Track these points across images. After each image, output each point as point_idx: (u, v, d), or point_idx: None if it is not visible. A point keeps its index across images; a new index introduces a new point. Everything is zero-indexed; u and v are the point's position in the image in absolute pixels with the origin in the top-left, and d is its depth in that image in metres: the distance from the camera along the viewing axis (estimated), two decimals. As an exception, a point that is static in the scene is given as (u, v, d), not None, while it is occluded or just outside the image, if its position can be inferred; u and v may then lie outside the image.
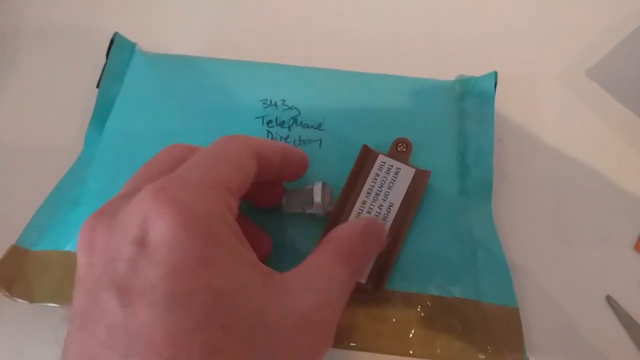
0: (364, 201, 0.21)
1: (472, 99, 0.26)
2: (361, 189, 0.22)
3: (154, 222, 0.14)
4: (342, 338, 0.21)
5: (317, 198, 0.20)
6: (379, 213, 0.21)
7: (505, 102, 0.28)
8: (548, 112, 0.28)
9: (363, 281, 0.20)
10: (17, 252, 0.22)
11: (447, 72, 0.27)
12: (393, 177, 0.22)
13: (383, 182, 0.22)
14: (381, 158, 0.22)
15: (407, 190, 0.21)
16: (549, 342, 0.22)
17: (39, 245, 0.23)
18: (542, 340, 0.22)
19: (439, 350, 0.20)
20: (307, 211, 0.21)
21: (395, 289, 0.21)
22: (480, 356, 0.20)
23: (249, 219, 0.20)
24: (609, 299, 0.23)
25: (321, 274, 0.16)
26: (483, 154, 0.25)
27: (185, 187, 0.15)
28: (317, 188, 0.20)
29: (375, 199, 0.21)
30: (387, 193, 0.21)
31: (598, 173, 0.27)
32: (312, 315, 0.15)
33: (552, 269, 0.24)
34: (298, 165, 0.20)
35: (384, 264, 0.21)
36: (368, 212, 0.21)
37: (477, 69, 0.27)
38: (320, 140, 0.24)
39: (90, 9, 0.32)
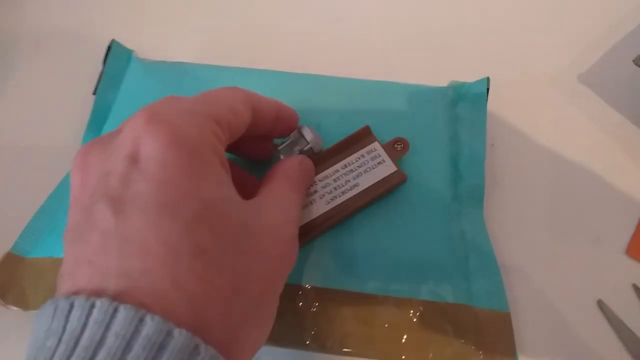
0: (336, 170, 0.23)
1: (464, 105, 0.26)
2: (342, 159, 0.23)
3: (145, 140, 0.15)
4: (334, 343, 0.21)
5: (309, 136, 0.22)
6: (341, 185, 0.22)
7: (497, 107, 0.28)
8: (540, 116, 0.29)
9: None
10: (11, 259, 0.22)
11: (439, 78, 0.27)
12: (374, 164, 0.23)
13: (362, 164, 0.23)
14: (375, 145, 0.23)
15: (377, 181, 0.22)
16: (541, 346, 0.22)
17: (34, 252, 0.23)
18: (534, 345, 0.22)
19: (431, 355, 0.21)
20: (303, 148, 0.22)
21: (388, 294, 0.21)
22: (472, 361, 0.20)
23: (237, 165, 0.21)
24: (600, 304, 0.23)
25: (282, 197, 0.19)
26: (475, 160, 0.25)
27: (176, 113, 0.16)
28: (306, 129, 0.22)
29: (346, 173, 0.22)
30: (359, 174, 0.22)
31: (590, 177, 0.27)
32: (282, 229, 0.17)
33: (544, 273, 0.24)
34: (290, 122, 0.22)
35: (316, 225, 0.22)
36: (334, 180, 0.22)
37: (469, 74, 0.27)
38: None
39: (87, 16, 0.32)
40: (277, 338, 0.21)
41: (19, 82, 0.30)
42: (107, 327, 0.12)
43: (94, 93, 0.26)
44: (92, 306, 0.12)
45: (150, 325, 0.12)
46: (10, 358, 0.22)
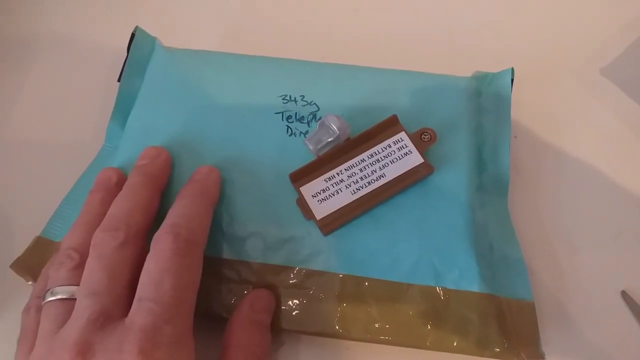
0: (363, 159, 0.23)
1: (489, 96, 0.26)
2: (368, 148, 0.23)
3: None
4: (359, 331, 0.21)
5: (336, 124, 0.22)
6: (367, 175, 0.22)
7: (520, 99, 0.28)
8: (562, 109, 0.29)
9: (318, 218, 0.22)
10: (42, 243, 0.23)
11: (464, 68, 0.27)
12: (400, 155, 0.23)
13: (389, 155, 0.23)
14: (402, 135, 0.23)
15: (403, 172, 0.22)
16: (564, 335, 0.22)
17: (62, 236, 0.23)
18: (557, 334, 0.22)
19: (455, 343, 0.21)
20: (331, 139, 0.22)
21: (412, 283, 0.22)
22: (496, 350, 0.20)
23: None
24: (624, 295, 0.23)
25: None
26: (500, 151, 0.25)
27: (160, 346, 0.16)
28: (332, 117, 0.22)
29: (373, 163, 0.22)
30: (385, 165, 0.22)
31: (612, 170, 0.27)
32: None
33: (567, 264, 0.24)
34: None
35: (341, 215, 0.22)
36: (361, 169, 0.22)
37: (493, 66, 0.27)
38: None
39: (109, 4, 0.32)
40: (303, 324, 0.21)
41: (43, 72, 0.30)
42: None
43: (119, 80, 0.27)
44: None
45: None
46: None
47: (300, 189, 0.22)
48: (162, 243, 0.18)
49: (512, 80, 0.26)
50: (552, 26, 0.31)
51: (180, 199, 0.21)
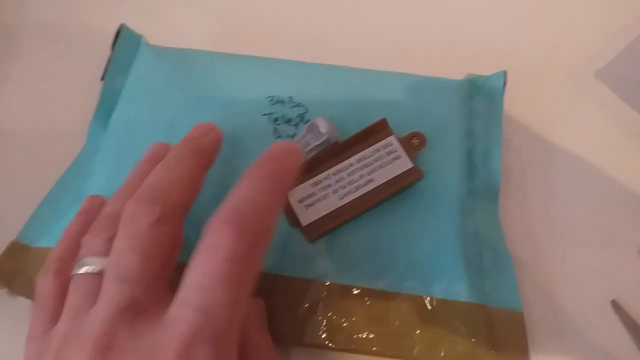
0: (351, 164, 0.22)
1: (481, 98, 0.26)
2: (357, 152, 0.22)
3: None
4: (345, 340, 0.20)
5: (324, 127, 0.21)
6: (356, 180, 0.22)
7: (513, 102, 0.27)
8: (556, 113, 0.28)
9: (303, 224, 0.21)
10: (17, 248, 0.22)
11: (455, 70, 0.26)
12: (389, 160, 0.22)
13: (377, 159, 0.22)
14: (391, 139, 0.22)
15: (392, 178, 0.22)
16: (554, 346, 0.22)
17: (40, 242, 0.22)
18: (546, 344, 0.22)
19: (442, 353, 0.20)
20: (318, 142, 0.21)
21: (400, 291, 0.21)
22: (484, 360, 0.20)
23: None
24: (614, 304, 0.23)
25: None
26: (491, 155, 0.24)
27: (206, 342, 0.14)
28: (320, 120, 0.21)
29: (361, 168, 0.22)
30: (374, 169, 0.22)
31: (605, 175, 0.26)
32: None
33: (557, 271, 0.24)
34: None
35: (328, 221, 0.21)
36: (349, 174, 0.22)
37: (485, 68, 0.26)
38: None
39: (95, 0, 0.31)
40: (286, 335, 0.21)
41: (27, 66, 0.29)
42: None
43: (102, 79, 0.26)
44: None
45: None
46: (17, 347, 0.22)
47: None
48: (221, 237, 0.14)
49: (505, 83, 0.25)
50: (545, 29, 0.31)
51: (250, 179, 0.16)
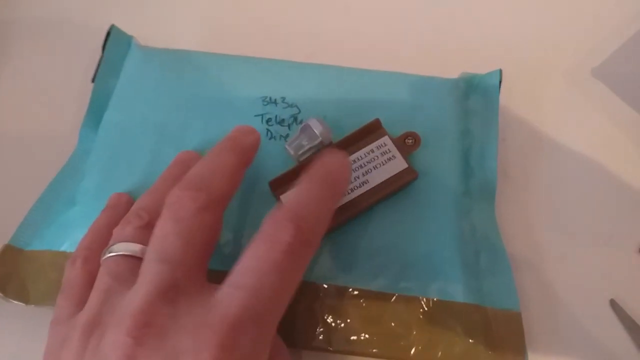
0: None
1: (476, 97, 0.25)
2: (350, 154, 0.22)
3: None
4: (341, 342, 0.20)
5: (318, 128, 0.21)
6: (350, 182, 0.21)
7: (509, 100, 0.27)
8: (552, 111, 0.28)
9: None
10: (10, 252, 0.22)
11: (450, 69, 0.26)
12: (384, 161, 0.22)
13: (372, 160, 0.22)
14: (385, 139, 0.22)
15: (387, 179, 0.21)
16: (551, 346, 0.22)
17: (33, 245, 0.22)
18: (545, 344, 0.22)
19: (440, 353, 0.20)
20: (312, 144, 0.21)
21: (396, 292, 0.21)
22: (481, 361, 0.20)
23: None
24: (612, 303, 0.22)
25: None
26: (487, 155, 0.24)
27: (241, 348, 0.14)
28: (314, 121, 0.21)
29: (355, 169, 0.22)
30: (369, 170, 0.22)
31: (602, 174, 0.26)
32: None
33: (555, 271, 0.24)
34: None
35: None
36: None
37: (480, 67, 0.26)
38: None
39: (86, 1, 0.31)
40: (282, 338, 0.20)
41: (16, 68, 0.29)
42: None
43: (93, 80, 0.26)
44: None
45: None
46: (11, 351, 0.22)
47: (281, 197, 0.21)
48: (280, 231, 0.15)
49: (500, 81, 0.25)
50: (541, 26, 0.31)
51: (308, 183, 0.17)
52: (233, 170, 0.18)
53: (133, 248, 0.17)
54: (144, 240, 0.17)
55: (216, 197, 0.17)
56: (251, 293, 0.15)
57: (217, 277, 0.19)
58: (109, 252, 0.17)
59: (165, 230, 0.16)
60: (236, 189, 0.19)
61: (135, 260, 0.17)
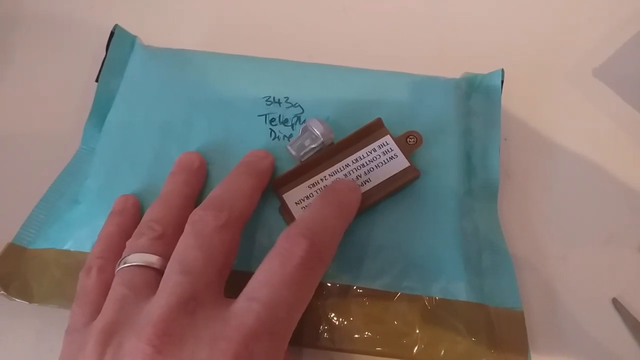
0: (347, 164, 0.22)
1: (478, 97, 0.26)
2: (353, 152, 0.22)
3: None
4: (344, 340, 0.20)
5: (319, 129, 0.21)
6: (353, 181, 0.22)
7: (511, 100, 0.27)
8: (554, 110, 0.28)
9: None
10: (14, 250, 0.22)
11: (452, 69, 0.26)
12: (386, 159, 0.22)
13: (374, 159, 0.22)
14: (387, 138, 0.22)
15: (389, 177, 0.22)
16: (554, 345, 0.22)
17: (36, 243, 0.22)
18: (547, 343, 0.22)
19: (442, 352, 0.20)
20: (314, 144, 0.21)
21: (399, 291, 0.21)
22: (484, 359, 0.20)
23: None
24: (615, 302, 0.23)
25: None
26: (489, 154, 0.24)
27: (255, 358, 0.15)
28: (315, 122, 0.21)
29: (357, 168, 0.22)
30: (371, 169, 0.22)
31: (604, 173, 0.26)
32: None
33: (557, 270, 0.24)
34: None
35: None
36: (345, 175, 0.22)
37: (482, 67, 0.26)
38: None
39: (89, 1, 0.31)
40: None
41: (19, 70, 0.29)
42: None
43: (97, 80, 0.26)
44: None
45: None
46: (14, 350, 0.22)
47: (283, 196, 0.21)
48: (294, 245, 0.17)
49: (502, 81, 0.25)
50: (543, 26, 0.31)
51: (320, 204, 0.19)
52: (251, 193, 0.20)
53: (149, 259, 0.18)
54: (158, 252, 0.18)
55: (236, 217, 0.18)
56: (266, 306, 0.15)
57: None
58: (124, 263, 0.18)
59: (188, 245, 0.17)
60: (253, 210, 0.20)
61: (150, 271, 0.18)
